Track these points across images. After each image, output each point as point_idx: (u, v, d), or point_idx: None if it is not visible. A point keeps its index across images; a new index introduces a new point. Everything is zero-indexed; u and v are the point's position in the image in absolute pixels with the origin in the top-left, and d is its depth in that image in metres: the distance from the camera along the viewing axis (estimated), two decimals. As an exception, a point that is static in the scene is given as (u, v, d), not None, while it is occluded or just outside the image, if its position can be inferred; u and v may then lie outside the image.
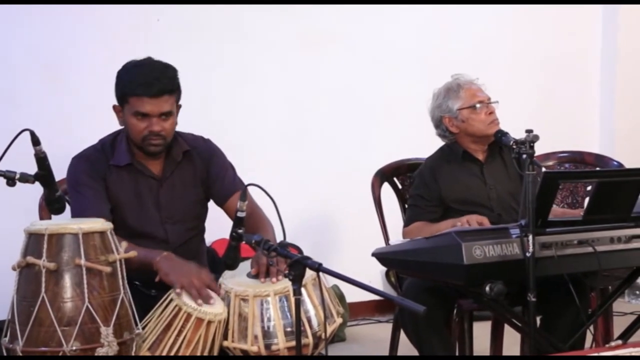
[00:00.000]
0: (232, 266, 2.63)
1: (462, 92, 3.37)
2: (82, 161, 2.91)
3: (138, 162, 2.91)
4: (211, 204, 3.09)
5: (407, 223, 3.41)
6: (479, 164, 3.42)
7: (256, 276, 2.68)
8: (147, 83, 2.78)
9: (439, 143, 3.53)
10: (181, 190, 2.96)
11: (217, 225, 3.16)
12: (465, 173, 3.40)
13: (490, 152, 3.43)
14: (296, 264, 2.26)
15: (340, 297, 4.46)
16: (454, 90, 3.39)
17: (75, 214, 2.86)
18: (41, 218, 3.02)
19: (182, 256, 2.78)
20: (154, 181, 2.93)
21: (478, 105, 3.34)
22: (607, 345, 2.44)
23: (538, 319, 3.09)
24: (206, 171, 3.00)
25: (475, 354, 3.33)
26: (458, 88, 3.39)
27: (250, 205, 2.92)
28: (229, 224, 2.57)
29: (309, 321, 2.60)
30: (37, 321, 2.23)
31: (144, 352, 2.47)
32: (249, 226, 2.78)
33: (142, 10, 4.40)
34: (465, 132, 3.39)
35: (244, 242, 2.53)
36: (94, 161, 2.90)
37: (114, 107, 2.89)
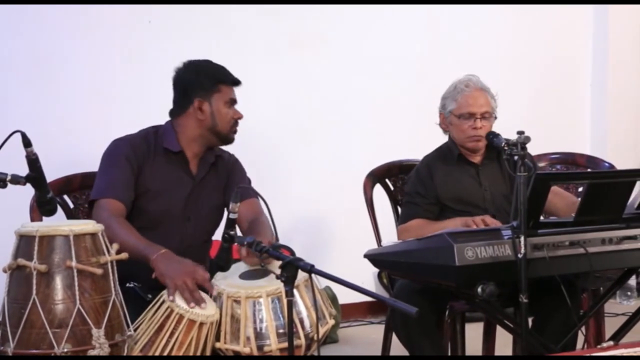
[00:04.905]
0: (224, 267, 2.63)
1: (459, 97, 3.37)
2: (125, 143, 2.96)
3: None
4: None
5: (403, 220, 3.41)
6: (475, 166, 3.42)
7: (248, 277, 2.68)
8: (229, 72, 3.01)
9: (431, 145, 3.53)
10: (208, 193, 3.02)
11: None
12: (461, 173, 3.41)
13: (487, 154, 3.43)
14: (288, 266, 2.26)
15: (333, 298, 4.46)
16: (456, 92, 3.39)
17: (96, 191, 2.89)
18: (32, 220, 3.01)
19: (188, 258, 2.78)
20: (189, 179, 2.99)
21: (466, 116, 3.33)
22: (598, 346, 2.44)
23: (530, 320, 3.09)
24: (227, 179, 3.07)
25: (467, 355, 3.34)
26: (459, 92, 3.38)
27: (255, 211, 2.94)
28: (221, 226, 2.57)
29: (302, 322, 2.59)
30: (28, 323, 2.22)
31: (136, 354, 2.46)
32: (250, 231, 2.81)
33: (134, 12, 4.40)
34: (451, 135, 3.42)
35: (235, 243, 2.53)
36: (136, 146, 2.95)
37: (197, 102, 2.94)
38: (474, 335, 3.53)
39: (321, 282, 2.78)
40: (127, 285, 2.72)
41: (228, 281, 2.67)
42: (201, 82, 2.96)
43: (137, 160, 2.92)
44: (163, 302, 2.54)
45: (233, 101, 3.01)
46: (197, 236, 3.02)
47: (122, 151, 2.93)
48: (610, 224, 2.85)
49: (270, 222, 2.56)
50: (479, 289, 2.60)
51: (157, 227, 2.91)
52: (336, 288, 4.41)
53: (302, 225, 4.78)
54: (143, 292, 2.78)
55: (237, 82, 3.02)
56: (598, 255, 2.79)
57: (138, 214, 2.91)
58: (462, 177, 3.40)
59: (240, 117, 3.01)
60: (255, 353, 2.54)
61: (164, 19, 4.47)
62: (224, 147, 3.12)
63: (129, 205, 2.88)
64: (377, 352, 3.63)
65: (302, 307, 2.61)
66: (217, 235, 2.90)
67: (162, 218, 2.94)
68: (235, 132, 3.02)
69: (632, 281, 5.11)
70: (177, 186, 2.97)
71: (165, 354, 2.48)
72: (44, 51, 4.23)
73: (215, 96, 2.96)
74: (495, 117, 3.39)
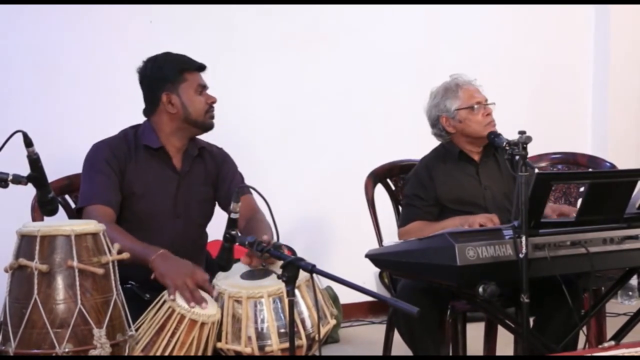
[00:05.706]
0: (226, 267, 2.62)
1: (460, 92, 3.38)
2: (104, 146, 2.93)
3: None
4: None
5: (403, 223, 3.41)
6: (475, 164, 3.43)
7: (250, 277, 2.68)
8: (192, 59, 2.97)
9: (432, 144, 3.53)
10: (196, 187, 3.00)
11: (211, 227, 3.16)
12: (461, 173, 3.41)
13: (485, 152, 3.44)
14: (290, 266, 2.26)
15: (334, 298, 4.46)
16: (452, 90, 3.40)
17: (82, 198, 2.88)
18: (34, 220, 3.01)
19: (182, 256, 2.77)
20: (174, 174, 2.96)
21: (476, 106, 3.35)
22: (600, 346, 2.44)
23: (531, 320, 3.09)
24: (217, 172, 3.05)
25: (468, 354, 3.34)
26: (456, 88, 3.39)
27: (251, 207, 2.93)
28: (222, 225, 2.57)
29: (303, 322, 2.59)
30: (29, 323, 2.22)
31: (138, 354, 2.46)
32: (249, 229, 2.80)
33: (135, 12, 4.39)
34: (462, 133, 3.40)
35: (237, 243, 2.53)
36: (116, 148, 2.92)
37: (165, 96, 2.91)
38: (475, 335, 3.53)
39: (322, 282, 2.78)
40: (125, 285, 2.72)
41: (229, 281, 2.67)
42: (165, 75, 2.92)
43: (119, 162, 2.89)
44: (164, 302, 2.54)
45: (203, 87, 2.95)
46: (190, 233, 2.99)
47: (102, 155, 2.89)
48: (611, 224, 2.85)
49: (270, 220, 2.55)
50: (480, 289, 2.60)
51: (147, 227, 2.88)
52: (337, 288, 4.41)
53: (303, 225, 4.78)
54: (141, 291, 2.78)
55: (202, 67, 2.97)
56: (599, 255, 2.79)
57: (126, 215, 2.89)
58: (462, 177, 3.40)
59: (214, 101, 2.95)
60: (257, 353, 2.54)
61: (165, 19, 4.47)
62: (214, 142, 3.09)
63: (118, 209, 2.86)
64: (379, 352, 3.62)
65: (304, 307, 2.61)
66: (218, 235, 2.90)
67: (151, 217, 2.92)
68: (212, 117, 2.96)
69: (634, 281, 5.10)
70: (163, 183, 2.94)
71: (166, 354, 2.47)
72: (44, 51, 4.22)
73: (182, 86, 2.92)
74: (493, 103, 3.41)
